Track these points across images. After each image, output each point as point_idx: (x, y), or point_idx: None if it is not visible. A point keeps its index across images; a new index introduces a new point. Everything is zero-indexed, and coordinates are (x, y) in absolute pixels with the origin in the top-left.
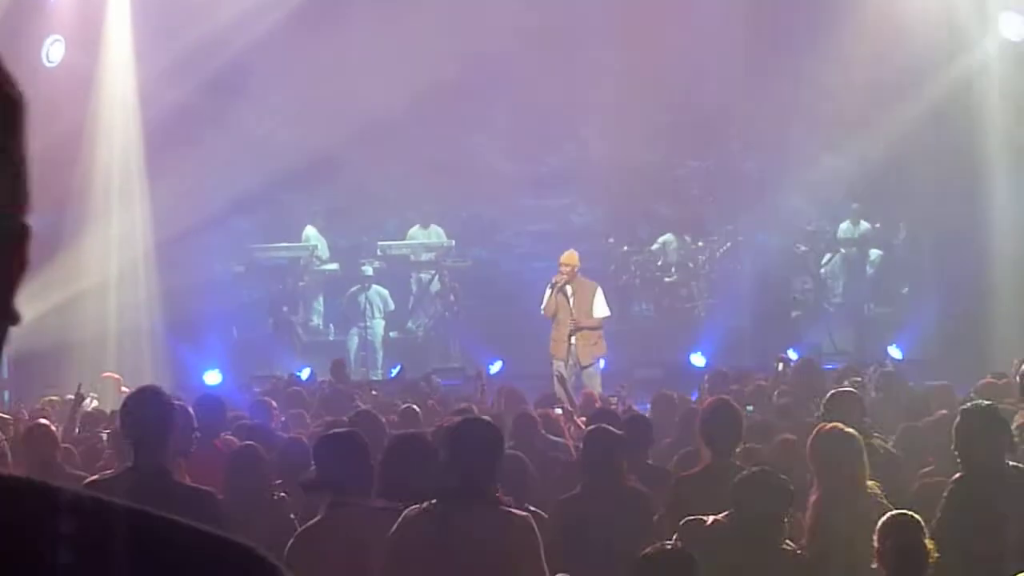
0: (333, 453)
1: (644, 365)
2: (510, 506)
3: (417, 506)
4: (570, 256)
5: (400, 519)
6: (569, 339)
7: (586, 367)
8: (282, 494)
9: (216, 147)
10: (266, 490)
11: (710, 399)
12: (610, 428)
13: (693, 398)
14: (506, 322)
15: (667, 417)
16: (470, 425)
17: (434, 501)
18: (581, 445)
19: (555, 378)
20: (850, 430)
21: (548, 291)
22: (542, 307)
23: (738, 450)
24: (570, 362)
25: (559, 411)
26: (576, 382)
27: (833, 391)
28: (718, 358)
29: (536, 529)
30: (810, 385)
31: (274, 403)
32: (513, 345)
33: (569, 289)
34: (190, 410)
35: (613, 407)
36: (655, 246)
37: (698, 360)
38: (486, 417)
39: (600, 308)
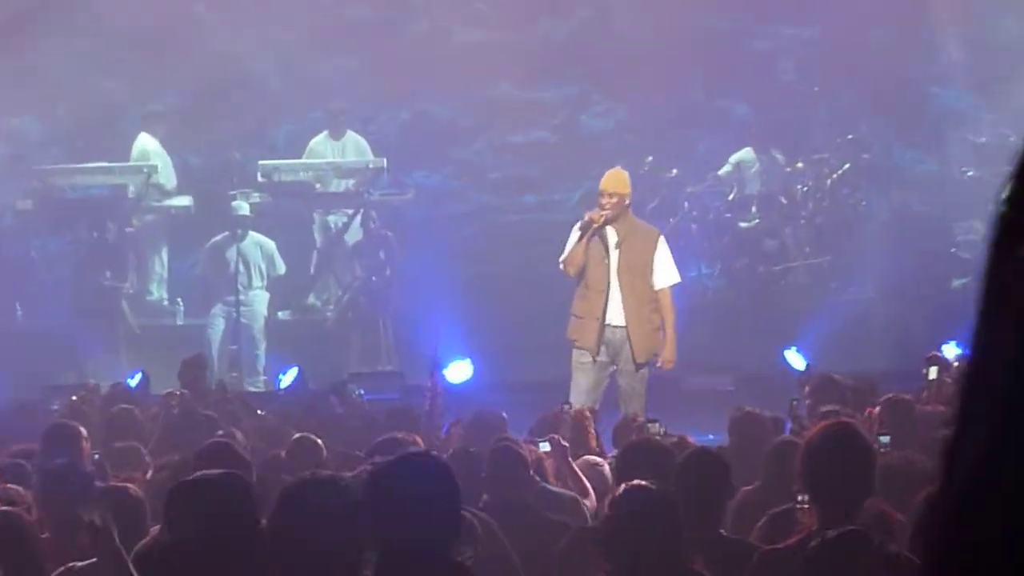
0: (200, 509)
1: (703, 369)
2: None
3: None
4: (617, 178)
5: None
6: (604, 315)
7: (640, 368)
8: None
9: None
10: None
11: (820, 426)
12: (650, 488)
13: (786, 428)
14: (475, 294)
15: (755, 454)
16: (401, 468)
17: None
18: (610, 505)
19: (574, 382)
20: None
21: (575, 233)
22: (562, 258)
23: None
24: (602, 359)
25: (545, 447)
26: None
27: None
28: (827, 357)
29: None
30: None
31: (84, 430)
32: (488, 334)
33: (613, 235)
34: None
35: (658, 436)
36: (724, 169)
37: (795, 360)
38: (429, 451)
39: (666, 270)
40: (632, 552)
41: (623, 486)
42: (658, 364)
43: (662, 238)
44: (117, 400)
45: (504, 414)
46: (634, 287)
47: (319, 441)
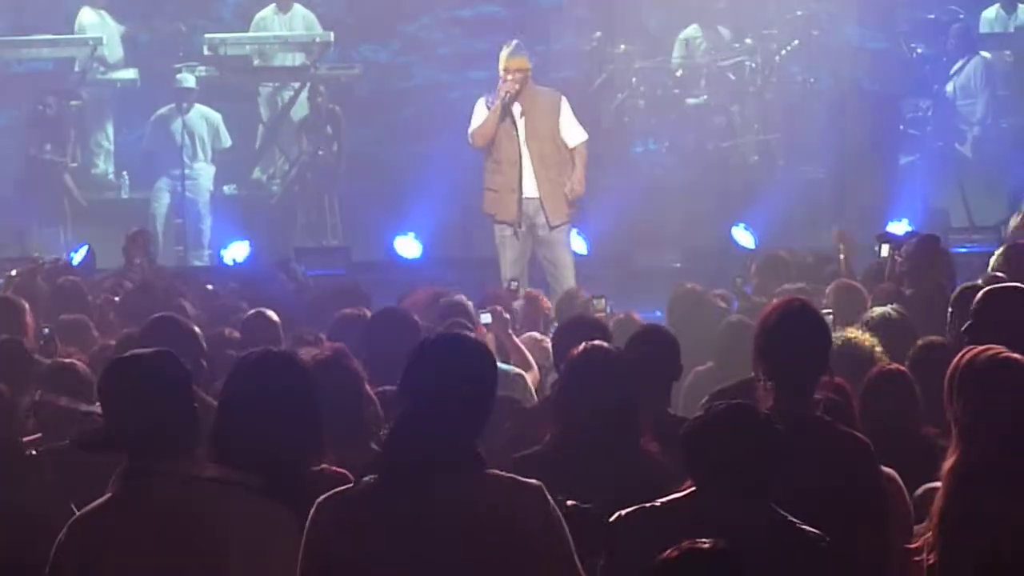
0: (128, 389)
1: (651, 246)
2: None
3: (338, 490)
4: (516, 57)
5: (314, 512)
6: (521, 187)
7: (555, 227)
8: (33, 451)
9: None
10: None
11: (774, 303)
12: (609, 348)
13: (734, 306)
14: (421, 170)
15: (697, 332)
16: (437, 347)
17: (373, 477)
18: (566, 364)
19: (501, 257)
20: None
21: (479, 106)
22: (470, 130)
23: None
24: (522, 228)
25: (485, 318)
26: (531, 268)
27: (966, 287)
28: (775, 236)
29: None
30: (933, 282)
31: (26, 305)
32: (436, 210)
33: (517, 107)
34: None
35: (600, 315)
36: (674, 47)
37: (743, 237)
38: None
39: (573, 130)
40: (585, 411)
41: (582, 344)
42: (565, 190)
43: (564, 100)
44: (63, 273)
45: (463, 298)
46: (542, 154)
47: (273, 317)
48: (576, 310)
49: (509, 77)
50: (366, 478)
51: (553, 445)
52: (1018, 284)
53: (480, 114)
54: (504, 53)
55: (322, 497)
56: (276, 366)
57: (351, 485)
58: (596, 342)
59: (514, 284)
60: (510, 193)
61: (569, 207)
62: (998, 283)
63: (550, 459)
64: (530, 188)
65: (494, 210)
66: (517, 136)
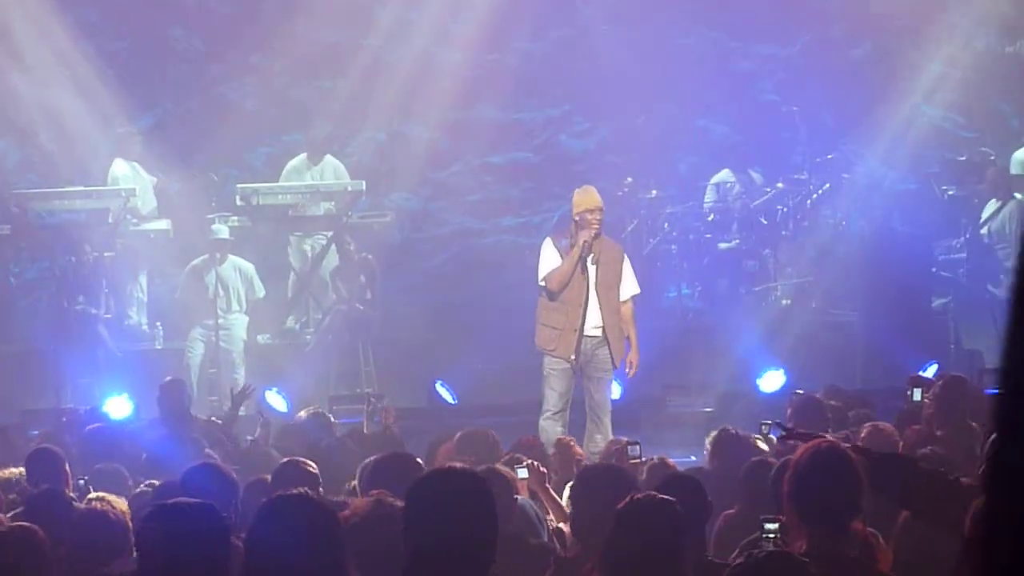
0: (169, 536)
1: (684, 391)
2: None
3: None
4: (593, 195)
5: None
6: (583, 327)
7: (611, 372)
8: None
9: None
10: None
11: (806, 447)
12: (659, 498)
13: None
14: (456, 316)
15: (737, 475)
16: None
17: None
18: (616, 528)
19: (547, 388)
20: None
21: (549, 249)
22: (544, 275)
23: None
24: (577, 364)
25: (522, 473)
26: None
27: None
28: (809, 378)
29: None
30: (962, 424)
31: (59, 451)
32: (471, 356)
33: (590, 251)
34: None
35: (635, 461)
36: (705, 192)
37: (772, 382)
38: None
39: (631, 284)
40: (636, 560)
41: (628, 498)
42: (627, 370)
43: (625, 253)
44: (100, 423)
45: (493, 432)
46: (609, 299)
47: (310, 468)
48: (612, 459)
49: (595, 216)
50: None
51: None
52: None
53: (551, 256)
54: (582, 195)
55: None
56: (299, 507)
57: None
58: (648, 492)
59: (536, 437)
60: (571, 332)
61: (622, 356)
62: None
63: None
64: (593, 328)
65: (552, 345)
66: (587, 279)
